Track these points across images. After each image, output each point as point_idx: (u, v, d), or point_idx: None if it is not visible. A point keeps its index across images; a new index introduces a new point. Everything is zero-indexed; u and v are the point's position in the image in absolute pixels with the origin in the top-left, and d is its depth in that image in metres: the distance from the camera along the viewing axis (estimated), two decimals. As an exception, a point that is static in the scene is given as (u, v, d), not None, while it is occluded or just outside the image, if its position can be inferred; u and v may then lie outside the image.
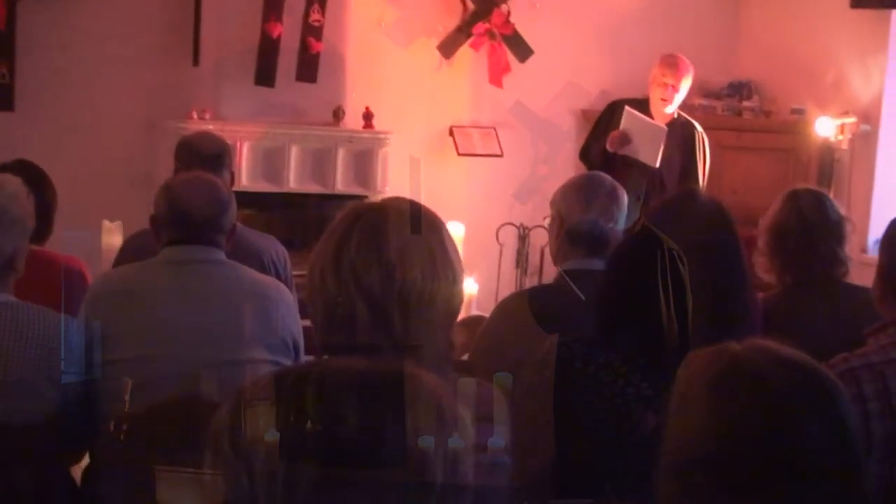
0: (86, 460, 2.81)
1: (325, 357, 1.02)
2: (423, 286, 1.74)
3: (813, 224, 3.15)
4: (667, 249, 1.88)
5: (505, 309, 2.75)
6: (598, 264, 2.79)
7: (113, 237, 5.16)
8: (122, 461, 2.46)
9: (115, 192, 5.64)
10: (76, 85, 5.71)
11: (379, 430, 0.93)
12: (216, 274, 2.69)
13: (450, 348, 1.81)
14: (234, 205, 2.83)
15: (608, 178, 2.85)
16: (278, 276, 3.35)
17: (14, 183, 2.61)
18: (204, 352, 2.56)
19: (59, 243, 3.46)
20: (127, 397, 2.30)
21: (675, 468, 1.26)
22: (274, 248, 3.49)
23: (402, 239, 1.76)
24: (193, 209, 2.70)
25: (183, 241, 2.70)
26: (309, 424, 0.91)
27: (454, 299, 1.79)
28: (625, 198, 2.83)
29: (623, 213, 2.81)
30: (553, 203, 2.84)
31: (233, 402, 0.97)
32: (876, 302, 2.42)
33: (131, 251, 3.26)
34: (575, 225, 2.75)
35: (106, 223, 5.20)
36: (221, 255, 2.74)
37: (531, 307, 2.64)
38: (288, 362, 2.70)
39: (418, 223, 1.79)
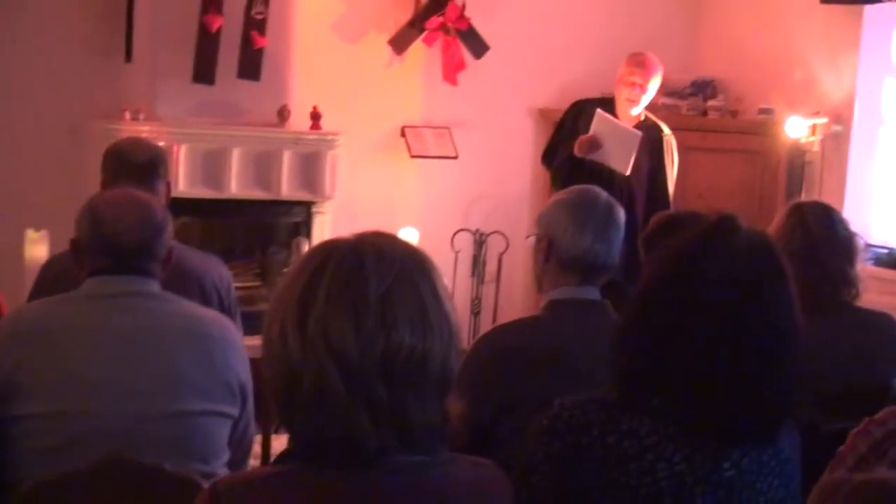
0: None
1: None
2: (412, 346, 1.38)
3: (820, 241, 2.87)
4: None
5: (487, 348, 2.38)
6: (591, 293, 2.46)
7: (38, 248, 4.75)
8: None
9: (41, 198, 5.24)
10: (-2, 82, 5.28)
11: None
12: (149, 310, 2.29)
13: (444, 422, 1.44)
14: (170, 227, 2.43)
15: (604, 193, 2.50)
16: (221, 303, 2.97)
17: None
18: (137, 404, 2.17)
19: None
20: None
21: None
22: (216, 270, 3.08)
23: (383, 286, 1.39)
24: (122, 234, 2.29)
25: (110, 270, 2.30)
26: None
27: (450, 361, 1.43)
28: (622, 217, 2.49)
29: (620, 234, 2.47)
30: (540, 222, 2.49)
31: None
32: None
33: (49, 280, 2.84)
34: (568, 249, 2.40)
35: (30, 232, 4.79)
36: (156, 287, 2.34)
37: (520, 346, 2.29)
38: (234, 412, 2.32)
39: (404, 265, 1.43)
